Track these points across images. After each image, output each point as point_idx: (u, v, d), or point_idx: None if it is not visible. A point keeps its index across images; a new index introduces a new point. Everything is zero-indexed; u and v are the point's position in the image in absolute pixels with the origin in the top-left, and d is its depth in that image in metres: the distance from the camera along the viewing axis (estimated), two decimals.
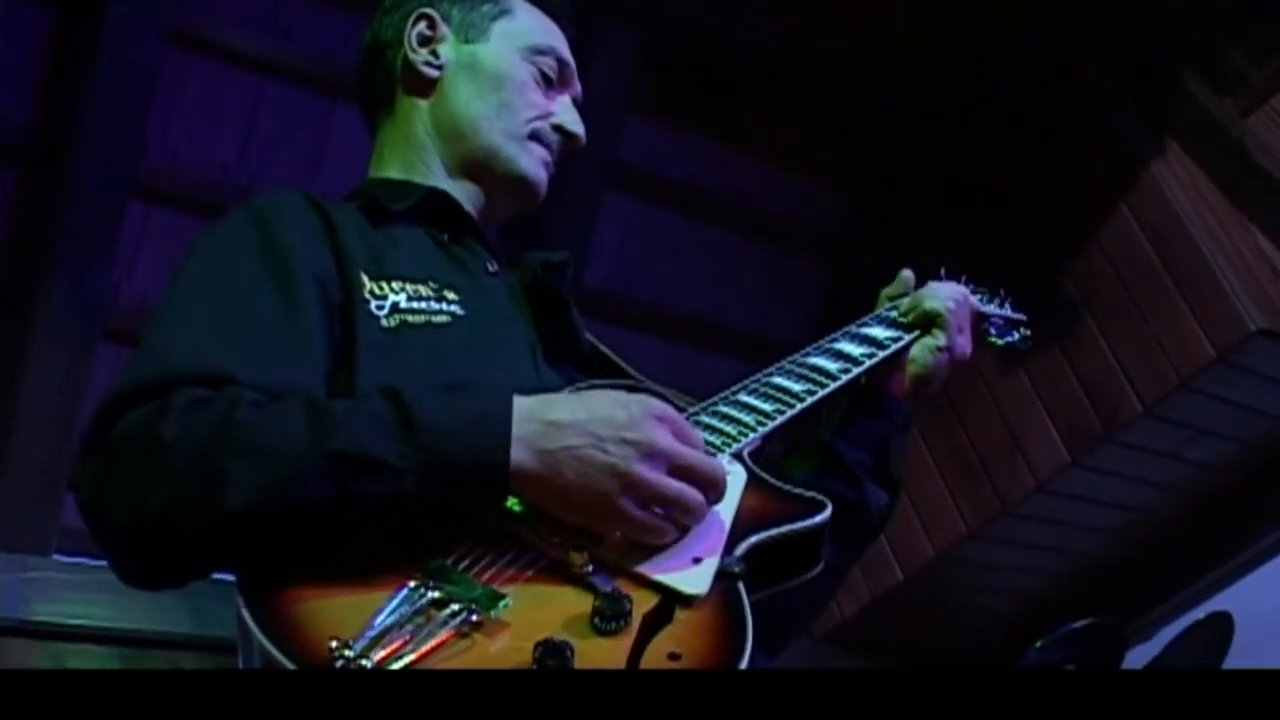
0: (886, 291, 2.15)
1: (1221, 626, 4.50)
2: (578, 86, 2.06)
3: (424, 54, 1.97)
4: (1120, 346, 4.58)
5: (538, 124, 1.96)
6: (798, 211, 5.35)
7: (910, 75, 4.96)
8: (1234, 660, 4.42)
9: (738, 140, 5.09)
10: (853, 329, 2.03)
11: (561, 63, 2.01)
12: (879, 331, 2.03)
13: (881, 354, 1.97)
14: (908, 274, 2.16)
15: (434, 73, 1.96)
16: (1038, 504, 4.80)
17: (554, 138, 1.98)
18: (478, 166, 1.94)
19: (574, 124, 1.99)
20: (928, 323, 2.05)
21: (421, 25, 1.99)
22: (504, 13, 2.00)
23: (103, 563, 4.04)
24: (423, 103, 1.97)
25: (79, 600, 3.88)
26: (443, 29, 1.99)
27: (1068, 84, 4.86)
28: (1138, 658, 4.77)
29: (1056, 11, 4.74)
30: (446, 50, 1.98)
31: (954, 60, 4.91)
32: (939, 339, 2.03)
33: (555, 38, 2.03)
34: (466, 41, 1.98)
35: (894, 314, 2.08)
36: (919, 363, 2.02)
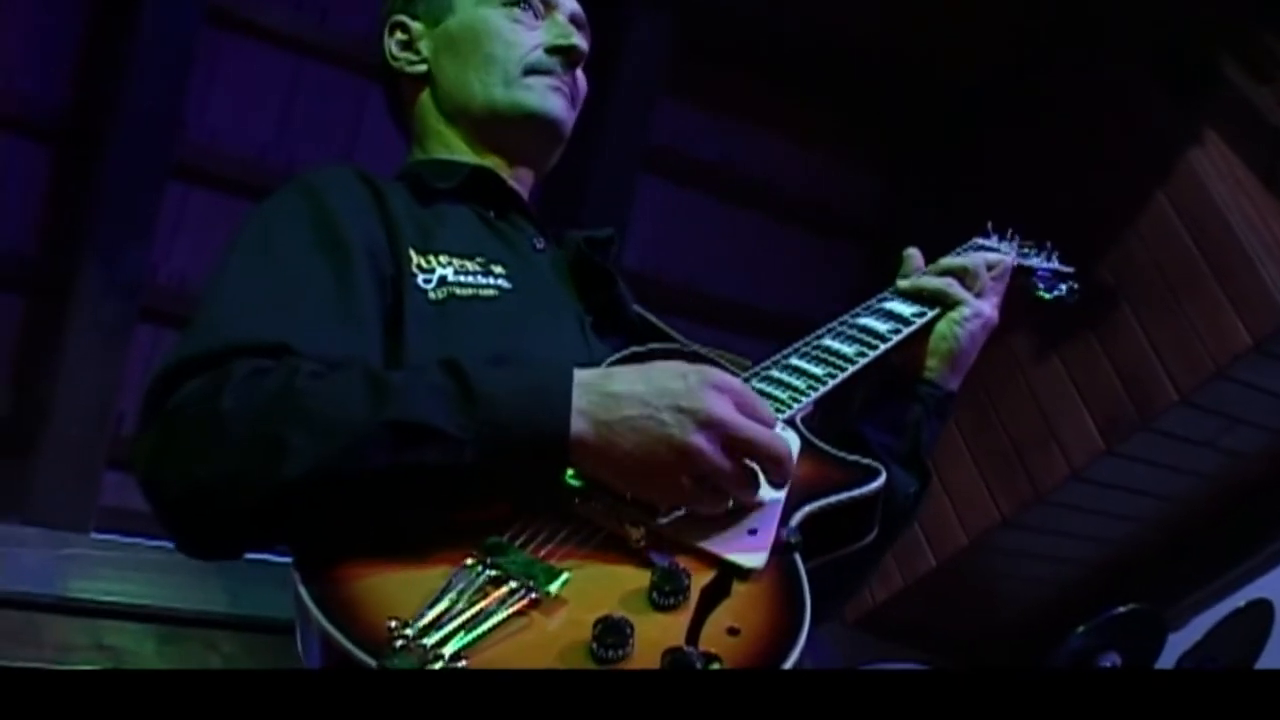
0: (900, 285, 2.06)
1: (1261, 614, 4.48)
2: (568, 2, 2.04)
3: (406, 57, 2.01)
4: (1156, 334, 4.56)
5: (530, 57, 1.94)
6: (831, 194, 5.34)
7: (945, 59, 4.94)
8: (1274, 648, 4.40)
9: (771, 123, 5.09)
10: (873, 304, 1.98)
11: None
12: (902, 307, 1.98)
13: (920, 321, 1.95)
14: (913, 251, 2.11)
15: (421, 68, 1.99)
16: (1072, 492, 4.79)
17: (552, 60, 1.96)
18: (489, 129, 1.95)
19: (563, 37, 1.97)
20: (946, 295, 2.00)
21: (397, 35, 2.03)
22: None
23: (141, 541, 4.05)
24: (425, 98, 1.99)
25: (116, 578, 3.89)
26: (415, 27, 2.02)
27: (1105, 71, 4.84)
28: (1172, 645, 4.75)
29: None
30: (425, 44, 2.00)
31: (989, 44, 4.89)
32: (964, 311, 1.98)
33: None
34: (437, 24, 2.00)
35: (912, 289, 2.02)
36: (950, 338, 1.97)
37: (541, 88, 1.94)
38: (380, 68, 2.06)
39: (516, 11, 1.97)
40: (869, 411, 1.98)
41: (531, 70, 1.94)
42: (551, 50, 1.96)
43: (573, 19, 2.02)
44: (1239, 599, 4.78)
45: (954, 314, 1.98)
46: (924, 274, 2.04)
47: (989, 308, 2.02)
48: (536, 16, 1.99)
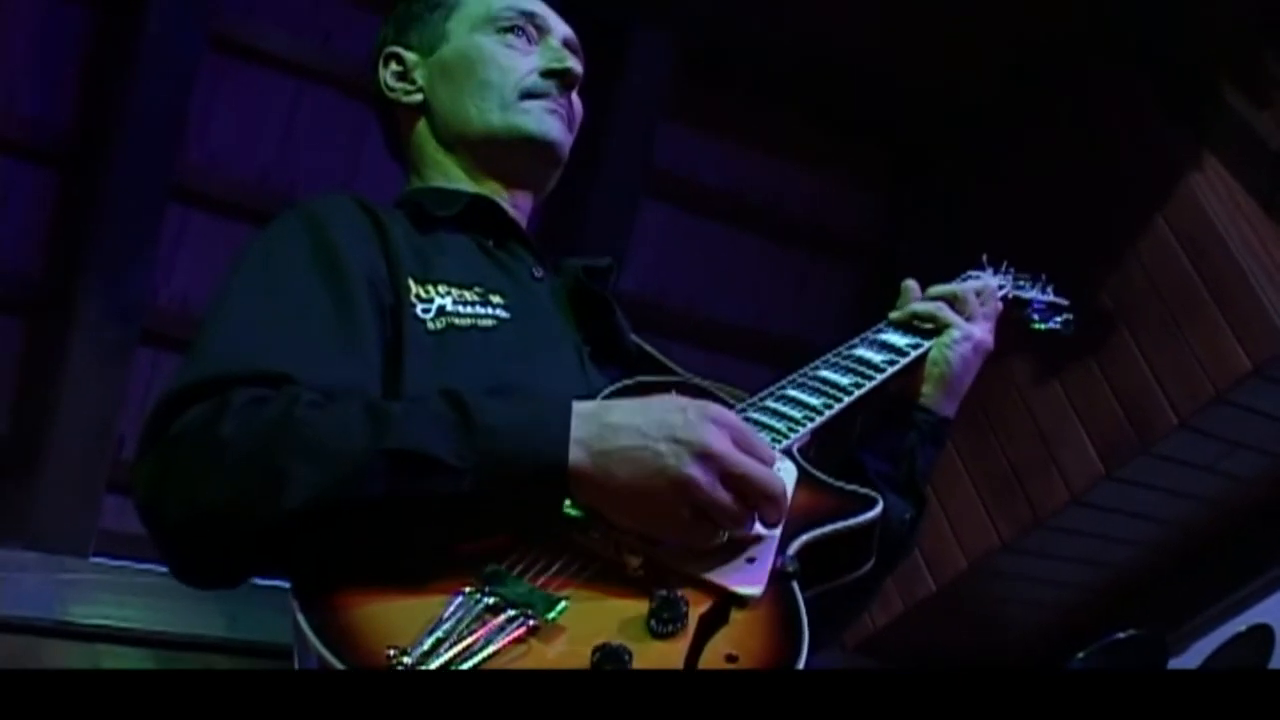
0: (893, 315, 2.09)
1: (1262, 640, 4.48)
2: (561, 27, 2.05)
3: (402, 87, 2.01)
4: (1156, 358, 4.56)
5: (525, 82, 1.95)
6: (833, 216, 5.34)
7: (946, 81, 4.95)
8: None
9: (773, 145, 5.09)
10: (869, 335, 2.01)
11: (526, 14, 2.01)
12: (897, 338, 2.00)
13: (915, 352, 1.97)
14: (910, 283, 2.13)
15: (417, 97, 2.00)
16: (1072, 516, 4.78)
17: (548, 84, 1.97)
18: (487, 154, 1.96)
19: (557, 60, 1.98)
20: (941, 323, 2.02)
21: (391, 65, 2.04)
22: (451, 9, 2.03)
23: (140, 565, 4.04)
24: (421, 127, 2.00)
25: (115, 602, 3.89)
26: (410, 57, 2.02)
27: (1105, 94, 4.85)
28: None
29: (1094, 21, 4.72)
30: (419, 73, 2.01)
31: (990, 67, 4.90)
32: (954, 334, 2.00)
33: None
34: (431, 53, 2.01)
35: (907, 319, 2.05)
36: (942, 362, 1.99)
37: (538, 111, 1.95)
38: (375, 99, 2.07)
39: (510, 37, 1.98)
40: (867, 440, 2.00)
41: (528, 94, 1.95)
42: (546, 74, 1.97)
43: (566, 43, 2.03)
44: (1239, 624, 4.79)
45: (944, 338, 2.00)
46: (915, 302, 2.06)
47: (980, 331, 2.04)
48: (530, 41, 2.00)
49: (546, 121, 1.95)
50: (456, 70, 1.97)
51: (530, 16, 2.01)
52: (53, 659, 3.70)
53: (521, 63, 1.97)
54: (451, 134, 1.97)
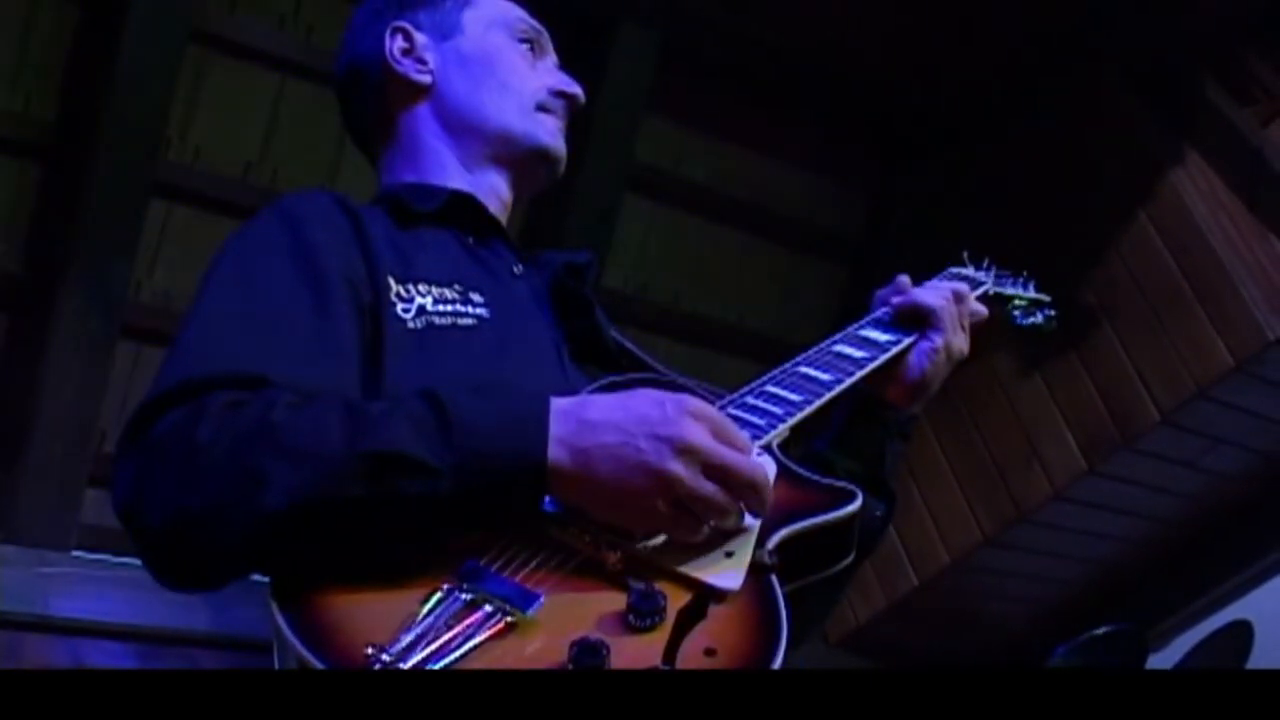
0: (882, 293, 2.10)
1: (1241, 635, 4.50)
2: (553, 53, 2.08)
3: (410, 63, 1.99)
4: (1138, 354, 4.58)
5: (539, 95, 1.98)
6: (816, 214, 5.35)
7: (929, 78, 4.96)
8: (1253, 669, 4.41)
9: (756, 142, 5.10)
10: (851, 331, 2.00)
11: (537, 30, 2.04)
12: (877, 334, 1.99)
13: (894, 348, 1.96)
14: (904, 279, 2.12)
15: (425, 78, 1.98)
16: (1054, 511, 4.80)
17: (558, 104, 2.00)
18: (497, 153, 1.96)
19: (569, 84, 2.02)
20: (922, 323, 2.01)
21: (398, 39, 2.00)
22: (466, 2, 2.03)
23: (121, 559, 4.02)
24: (422, 109, 1.98)
25: (97, 596, 3.89)
26: (418, 36, 2.00)
27: (1088, 91, 4.85)
28: (1153, 665, 4.76)
29: (1078, 17, 4.73)
30: (430, 55, 1.99)
31: (974, 65, 4.91)
32: (934, 340, 1.99)
33: (520, 8, 2.06)
34: (444, 39, 2.00)
35: (889, 317, 2.03)
36: (915, 367, 1.98)
37: (552, 127, 1.98)
38: (358, 66, 2.04)
39: (524, 48, 2.01)
40: (834, 435, 1.99)
41: (541, 108, 1.98)
42: (557, 94, 2.00)
43: (558, 67, 2.07)
44: (1220, 620, 4.81)
45: (924, 345, 1.99)
46: (901, 304, 2.04)
47: (959, 341, 2.02)
48: (535, 57, 2.03)
49: (557, 140, 1.98)
50: (475, 63, 1.98)
51: (539, 33, 2.05)
52: (34, 653, 3.70)
53: (534, 76, 2.00)
54: (461, 124, 1.96)
